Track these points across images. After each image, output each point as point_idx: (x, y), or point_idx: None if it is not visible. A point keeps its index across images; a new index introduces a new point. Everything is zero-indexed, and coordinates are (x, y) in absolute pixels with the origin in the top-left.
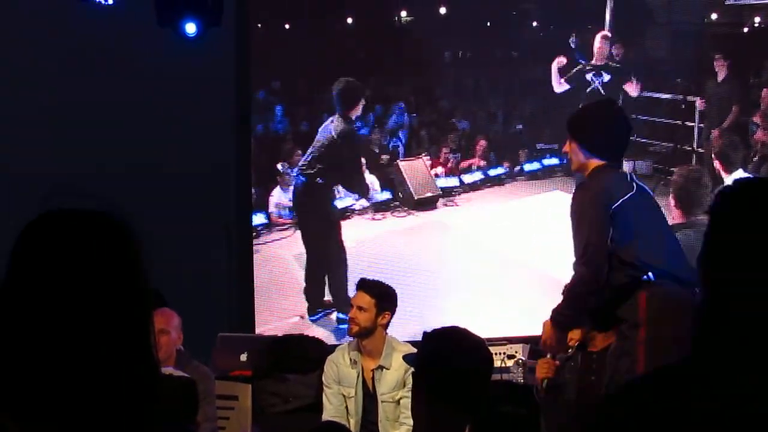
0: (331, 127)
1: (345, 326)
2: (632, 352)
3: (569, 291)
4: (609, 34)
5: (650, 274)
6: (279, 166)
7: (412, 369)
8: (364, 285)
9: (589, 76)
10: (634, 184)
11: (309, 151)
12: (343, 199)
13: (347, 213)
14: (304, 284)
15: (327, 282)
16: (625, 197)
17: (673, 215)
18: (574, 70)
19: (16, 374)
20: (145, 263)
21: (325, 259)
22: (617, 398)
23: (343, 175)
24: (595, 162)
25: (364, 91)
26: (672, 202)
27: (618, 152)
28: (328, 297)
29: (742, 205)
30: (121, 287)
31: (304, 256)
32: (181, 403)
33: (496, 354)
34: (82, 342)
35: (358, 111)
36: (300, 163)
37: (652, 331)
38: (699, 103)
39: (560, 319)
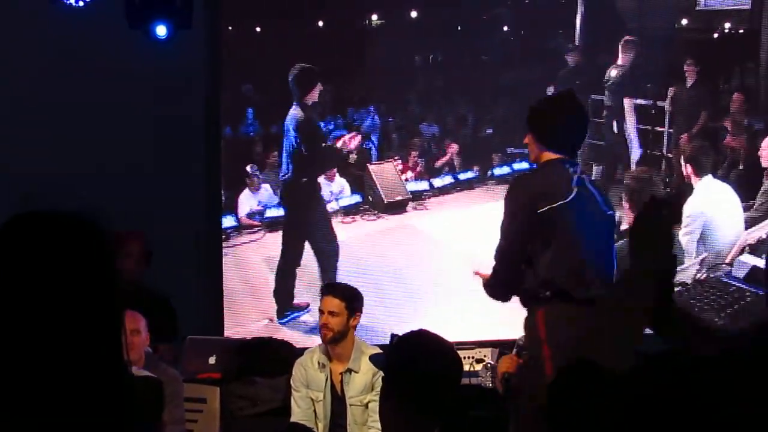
0: (289, 120)
1: None
2: (540, 367)
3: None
4: (632, 38)
5: (548, 292)
6: (248, 168)
7: (380, 373)
8: (331, 289)
9: None
10: (575, 189)
11: (282, 151)
12: None
13: None
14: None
15: (318, 277)
16: (556, 204)
17: (628, 219)
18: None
19: None
20: (115, 264)
21: (318, 254)
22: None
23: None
24: (548, 155)
25: (319, 76)
26: (626, 205)
27: (571, 145)
28: (297, 300)
29: None
30: (91, 289)
31: (274, 259)
32: (147, 403)
33: (465, 358)
34: (53, 344)
35: (314, 96)
36: (281, 167)
37: (554, 347)
38: (668, 108)
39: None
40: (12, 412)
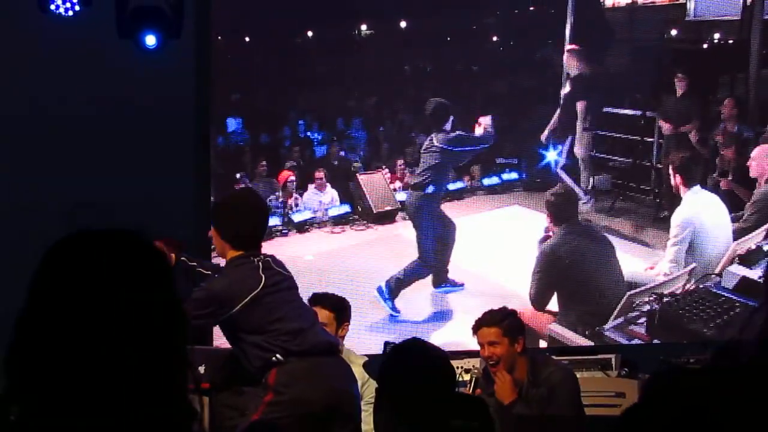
0: (435, 141)
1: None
2: (255, 409)
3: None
4: (575, 47)
5: (278, 356)
6: (237, 176)
7: (369, 383)
8: (320, 300)
9: None
10: (263, 275)
11: (419, 170)
12: (302, 212)
13: (306, 226)
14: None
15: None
16: (250, 296)
17: (549, 228)
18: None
19: (39, 385)
20: (175, 283)
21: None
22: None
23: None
24: (231, 252)
25: (451, 110)
26: (548, 219)
27: (252, 242)
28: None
29: None
30: (157, 306)
31: None
32: None
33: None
34: (110, 362)
35: (447, 126)
36: (413, 183)
37: (277, 395)
38: (658, 118)
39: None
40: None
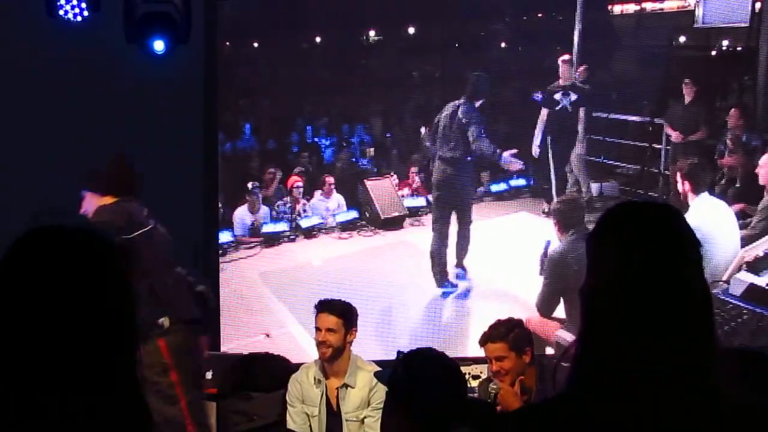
0: (459, 112)
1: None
2: (170, 393)
3: None
4: (568, 57)
5: (162, 320)
6: (249, 185)
7: (377, 388)
8: (327, 306)
9: (557, 96)
10: (152, 221)
11: (446, 143)
12: (310, 218)
13: (313, 232)
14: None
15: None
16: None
17: (556, 235)
18: (546, 92)
19: None
20: (128, 279)
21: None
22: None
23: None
24: (108, 198)
25: (489, 86)
26: (555, 228)
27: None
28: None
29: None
30: (106, 303)
31: (270, 273)
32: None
33: None
34: (63, 359)
35: (479, 101)
36: (447, 156)
37: (180, 371)
38: (666, 125)
39: None
40: (20, 423)
